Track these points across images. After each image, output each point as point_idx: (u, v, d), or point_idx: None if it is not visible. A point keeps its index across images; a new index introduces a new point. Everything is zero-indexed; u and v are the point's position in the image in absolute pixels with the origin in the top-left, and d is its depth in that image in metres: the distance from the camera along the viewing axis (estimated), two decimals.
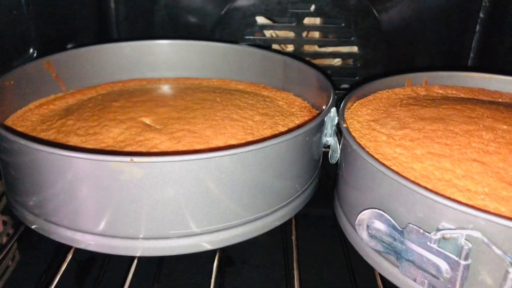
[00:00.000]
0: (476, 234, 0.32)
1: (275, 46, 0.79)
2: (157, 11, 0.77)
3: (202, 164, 0.38)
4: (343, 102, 0.49)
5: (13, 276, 0.46)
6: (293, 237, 0.45)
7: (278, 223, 0.46)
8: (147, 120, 0.50)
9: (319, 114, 0.46)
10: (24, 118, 0.54)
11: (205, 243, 0.42)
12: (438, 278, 0.34)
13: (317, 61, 0.80)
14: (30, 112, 0.55)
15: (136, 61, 0.67)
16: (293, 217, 0.47)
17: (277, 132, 0.50)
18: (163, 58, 0.67)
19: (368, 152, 0.39)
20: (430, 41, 0.79)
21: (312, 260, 0.48)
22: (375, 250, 0.40)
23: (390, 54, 0.78)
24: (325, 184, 0.56)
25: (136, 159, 0.37)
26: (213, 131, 0.48)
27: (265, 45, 0.78)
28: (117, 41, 0.68)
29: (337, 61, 0.81)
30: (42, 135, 0.49)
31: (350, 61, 0.80)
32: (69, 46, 0.70)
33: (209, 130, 0.48)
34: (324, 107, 0.51)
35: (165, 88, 0.62)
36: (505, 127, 0.43)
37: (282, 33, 0.78)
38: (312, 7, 0.75)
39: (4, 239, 0.50)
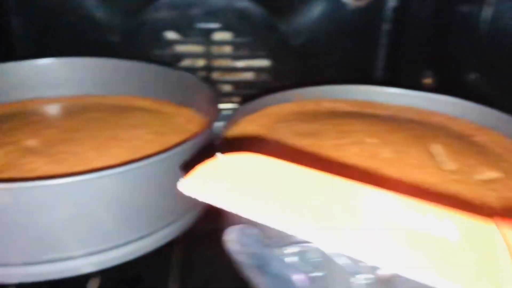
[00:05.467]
0: None
1: (187, 61, 0.80)
2: (62, 29, 0.76)
3: (61, 188, 0.39)
4: (227, 121, 0.50)
5: None
6: (175, 256, 0.46)
7: (162, 243, 0.46)
8: (32, 143, 0.50)
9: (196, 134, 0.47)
10: None
11: (82, 267, 0.42)
12: None
13: (231, 75, 0.81)
14: None
15: (37, 80, 0.65)
16: (181, 235, 0.48)
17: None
18: (64, 76, 0.66)
19: None
20: (338, 53, 0.82)
21: (203, 277, 0.48)
22: (248, 263, 0.40)
23: (299, 67, 0.80)
24: None
25: None
26: (97, 152, 0.48)
27: (175, 61, 0.78)
28: (18, 60, 0.67)
29: (250, 75, 0.82)
30: None
31: (263, 74, 0.82)
32: None
33: (93, 151, 0.48)
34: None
35: (61, 108, 0.61)
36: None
37: (193, 48, 0.79)
38: (219, 23, 0.76)
39: None
